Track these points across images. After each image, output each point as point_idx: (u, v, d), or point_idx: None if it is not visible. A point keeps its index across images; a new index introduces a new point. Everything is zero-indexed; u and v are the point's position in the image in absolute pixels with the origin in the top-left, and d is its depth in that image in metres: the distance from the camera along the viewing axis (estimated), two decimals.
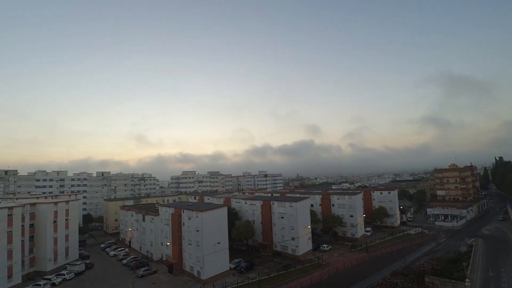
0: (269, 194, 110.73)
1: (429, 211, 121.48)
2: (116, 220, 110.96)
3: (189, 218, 62.21)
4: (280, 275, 59.45)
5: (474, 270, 54.09)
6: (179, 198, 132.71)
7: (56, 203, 73.62)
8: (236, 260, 67.48)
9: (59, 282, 59.89)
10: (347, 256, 71.53)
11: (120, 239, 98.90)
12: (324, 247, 78.78)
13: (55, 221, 70.81)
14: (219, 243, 60.52)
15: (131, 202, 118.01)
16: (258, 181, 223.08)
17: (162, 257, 71.87)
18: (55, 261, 68.87)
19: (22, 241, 61.71)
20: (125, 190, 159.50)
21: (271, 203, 78.74)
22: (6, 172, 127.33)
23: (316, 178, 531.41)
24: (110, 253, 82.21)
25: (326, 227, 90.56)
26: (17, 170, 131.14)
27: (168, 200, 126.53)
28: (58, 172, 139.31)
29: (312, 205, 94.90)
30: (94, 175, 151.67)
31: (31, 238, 66.66)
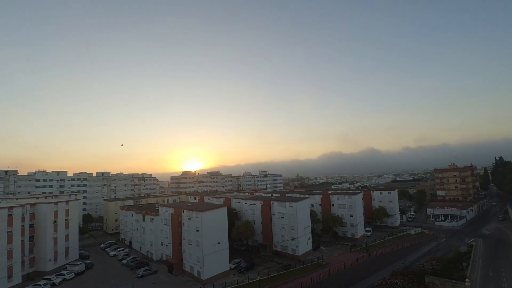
0: (269, 194, 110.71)
1: (429, 211, 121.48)
2: (116, 220, 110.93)
3: (189, 218, 62.21)
4: (280, 275, 59.47)
5: (474, 270, 54.07)
6: (179, 198, 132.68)
7: (56, 203, 73.62)
8: (236, 260, 67.49)
9: (59, 282, 59.90)
10: (347, 256, 71.56)
11: (120, 239, 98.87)
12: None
13: (55, 221, 70.82)
14: (219, 243, 60.52)
15: (131, 202, 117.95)
16: (258, 181, 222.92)
17: (162, 257, 71.87)
18: (55, 261, 68.89)
19: (22, 241, 61.73)
20: (125, 190, 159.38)
21: (271, 203, 78.73)
22: (6, 172, 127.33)
23: (316, 178, 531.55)
24: (110, 253, 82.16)
25: (326, 227, 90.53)
26: (17, 170, 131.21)
27: (168, 200, 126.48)
28: (58, 172, 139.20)
29: (312, 205, 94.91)
30: (94, 175, 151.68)
31: (31, 238, 66.65)
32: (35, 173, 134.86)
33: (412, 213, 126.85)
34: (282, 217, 75.35)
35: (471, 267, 53.07)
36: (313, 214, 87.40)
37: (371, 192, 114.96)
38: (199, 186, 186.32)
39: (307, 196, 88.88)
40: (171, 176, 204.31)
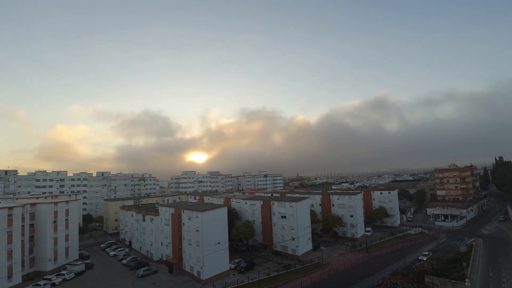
0: (269, 194, 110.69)
1: (429, 211, 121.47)
2: (116, 220, 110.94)
3: (189, 218, 62.21)
4: (280, 275, 59.47)
5: (474, 270, 54.10)
6: (179, 198, 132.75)
7: (56, 203, 73.60)
8: (236, 260, 67.51)
9: (59, 282, 59.89)
10: (347, 256, 71.56)
11: (120, 239, 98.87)
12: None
13: (55, 221, 70.80)
14: (219, 243, 60.51)
15: (131, 202, 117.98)
16: (258, 181, 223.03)
17: (162, 257, 71.86)
18: (55, 261, 68.85)
19: (22, 241, 61.65)
20: (125, 190, 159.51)
21: (271, 203, 78.73)
22: (6, 172, 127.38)
23: (316, 178, 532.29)
24: (110, 253, 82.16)
25: (326, 227, 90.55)
26: (17, 170, 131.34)
27: (168, 200, 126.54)
28: (58, 172, 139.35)
29: (312, 205, 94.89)
30: (94, 175, 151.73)
31: (31, 238, 66.60)
32: (35, 173, 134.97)
33: (410, 216, 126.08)
34: (282, 217, 75.33)
35: (471, 267, 53.11)
36: (313, 214, 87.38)
37: (371, 192, 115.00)
38: (199, 186, 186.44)
39: (307, 196, 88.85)
40: (171, 176, 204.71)
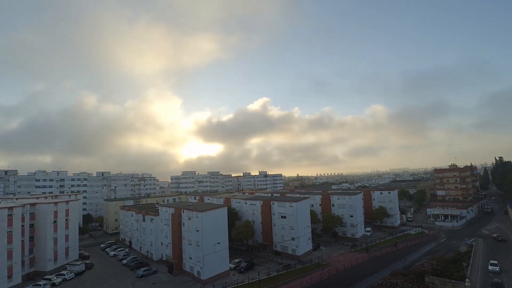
0: (269, 194, 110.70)
1: (429, 211, 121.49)
2: (116, 220, 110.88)
3: (189, 218, 62.22)
4: (280, 275, 59.47)
5: (474, 270, 54.11)
6: (179, 198, 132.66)
7: (56, 203, 73.59)
8: (236, 260, 67.53)
9: (59, 282, 59.88)
10: (347, 256, 71.57)
11: (120, 239, 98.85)
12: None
13: (55, 221, 70.80)
14: (219, 243, 60.51)
15: (131, 202, 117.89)
16: (258, 181, 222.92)
17: (162, 257, 71.87)
18: (55, 261, 68.87)
19: (22, 241, 61.68)
20: (125, 190, 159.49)
21: (271, 203, 78.73)
22: (6, 172, 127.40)
23: (316, 178, 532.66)
24: (110, 253, 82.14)
25: (326, 227, 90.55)
26: (17, 170, 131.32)
27: (168, 200, 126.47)
28: (58, 172, 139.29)
29: (312, 205, 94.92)
30: (94, 175, 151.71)
31: (31, 238, 66.60)
32: (35, 173, 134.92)
33: (410, 216, 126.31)
34: (282, 217, 75.31)
35: (471, 267, 53.14)
36: (313, 214, 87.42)
37: (371, 192, 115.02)
38: (199, 186, 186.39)
39: (307, 196, 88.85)
40: (171, 176, 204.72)
